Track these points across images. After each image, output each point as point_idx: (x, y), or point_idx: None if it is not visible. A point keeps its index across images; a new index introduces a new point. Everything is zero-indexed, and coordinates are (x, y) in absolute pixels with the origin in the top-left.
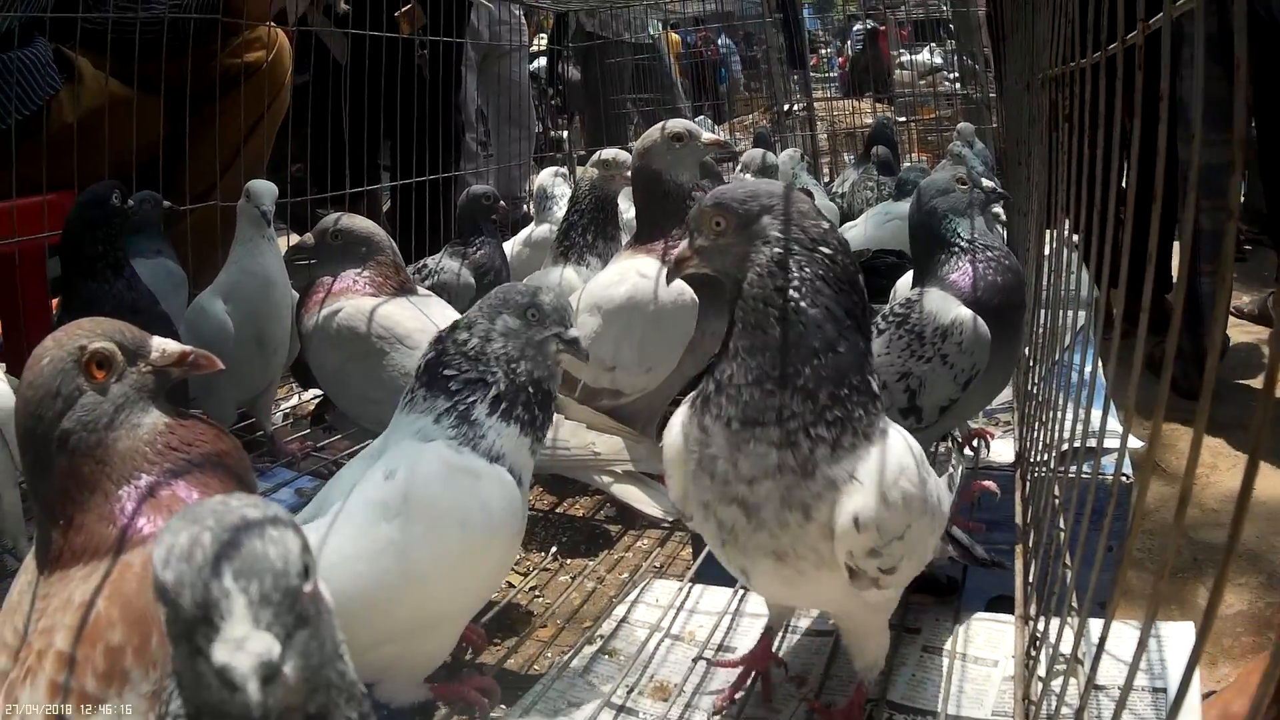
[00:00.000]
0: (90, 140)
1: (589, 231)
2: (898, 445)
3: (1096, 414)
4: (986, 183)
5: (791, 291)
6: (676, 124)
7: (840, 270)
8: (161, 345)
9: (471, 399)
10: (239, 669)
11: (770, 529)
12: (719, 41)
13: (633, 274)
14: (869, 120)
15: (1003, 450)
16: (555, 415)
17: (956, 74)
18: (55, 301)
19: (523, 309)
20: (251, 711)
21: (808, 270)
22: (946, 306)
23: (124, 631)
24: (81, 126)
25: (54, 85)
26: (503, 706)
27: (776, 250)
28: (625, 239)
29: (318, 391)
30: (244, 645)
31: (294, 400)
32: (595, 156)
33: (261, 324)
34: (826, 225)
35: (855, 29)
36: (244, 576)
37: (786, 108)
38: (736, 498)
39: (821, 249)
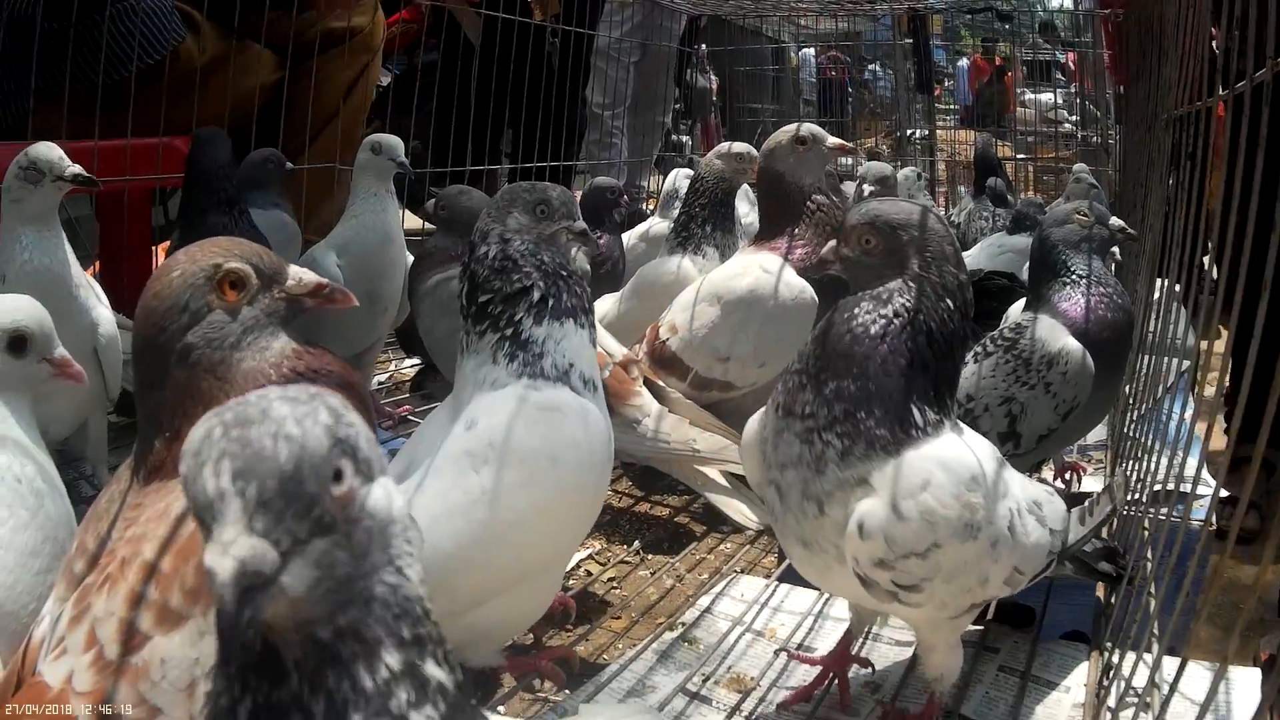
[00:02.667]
0: (208, 89)
1: (708, 223)
2: (931, 462)
3: (1191, 461)
4: (1114, 221)
5: (892, 325)
6: (804, 128)
7: (950, 327)
8: (299, 274)
9: (517, 316)
10: (219, 575)
11: (795, 515)
12: (871, 68)
13: (756, 268)
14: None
15: (1092, 486)
16: (659, 407)
17: (1076, 116)
18: (162, 246)
19: (531, 205)
20: (224, 620)
21: (920, 318)
22: (1055, 335)
23: None
24: (204, 74)
25: (179, 35)
26: (566, 692)
27: (910, 287)
28: (741, 243)
29: (416, 361)
30: (229, 550)
31: (390, 368)
32: (725, 148)
33: (374, 281)
34: (964, 277)
35: (960, 63)
36: (243, 476)
37: (910, 133)
38: (773, 481)
39: (946, 301)
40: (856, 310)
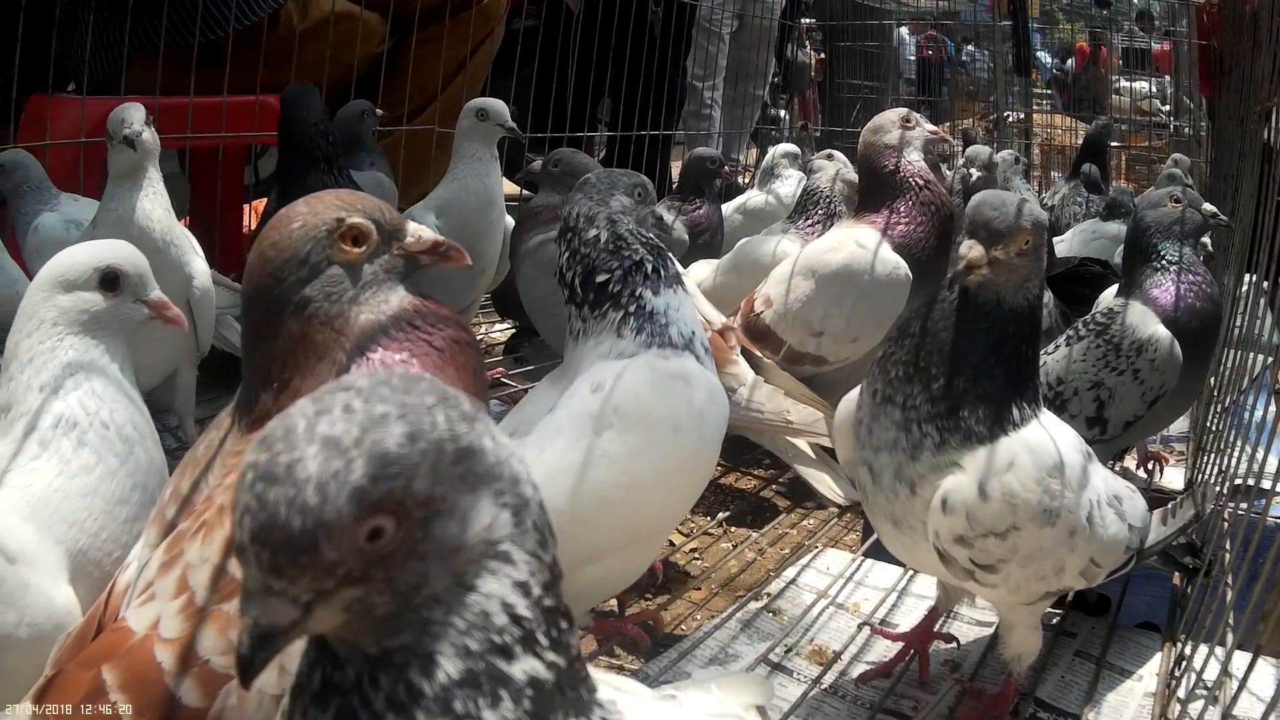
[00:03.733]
0: (312, 51)
1: (819, 225)
2: (1018, 445)
3: (1272, 459)
4: (1207, 206)
5: (1008, 328)
6: (905, 111)
7: (1045, 323)
8: (417, 230)
9: (636, 290)
10: (242, 621)
11: (887, 494)
12: (968, 48)
13: (851, 242)
14: (1080, 140)
15: (1174, 478)
16: (754, 376)
17: (1170, 106)
18: (255, 204)
19: (631, 188)
20: (240, 661)
21: (1028, 317)
22: (1146, 322)
23: None
24: (305, 36)
25: None
26: (641, 659)
27: (1041, 286)
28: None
29: (508, 325)
30: (249, 602)
31: (481, 331)
32: (850, 173)
33: (473, 242)
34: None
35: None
36: (258, 540)
37: (1007, 116)
38: (867, 461)
39: (1046, 298)
40: (967, 308)
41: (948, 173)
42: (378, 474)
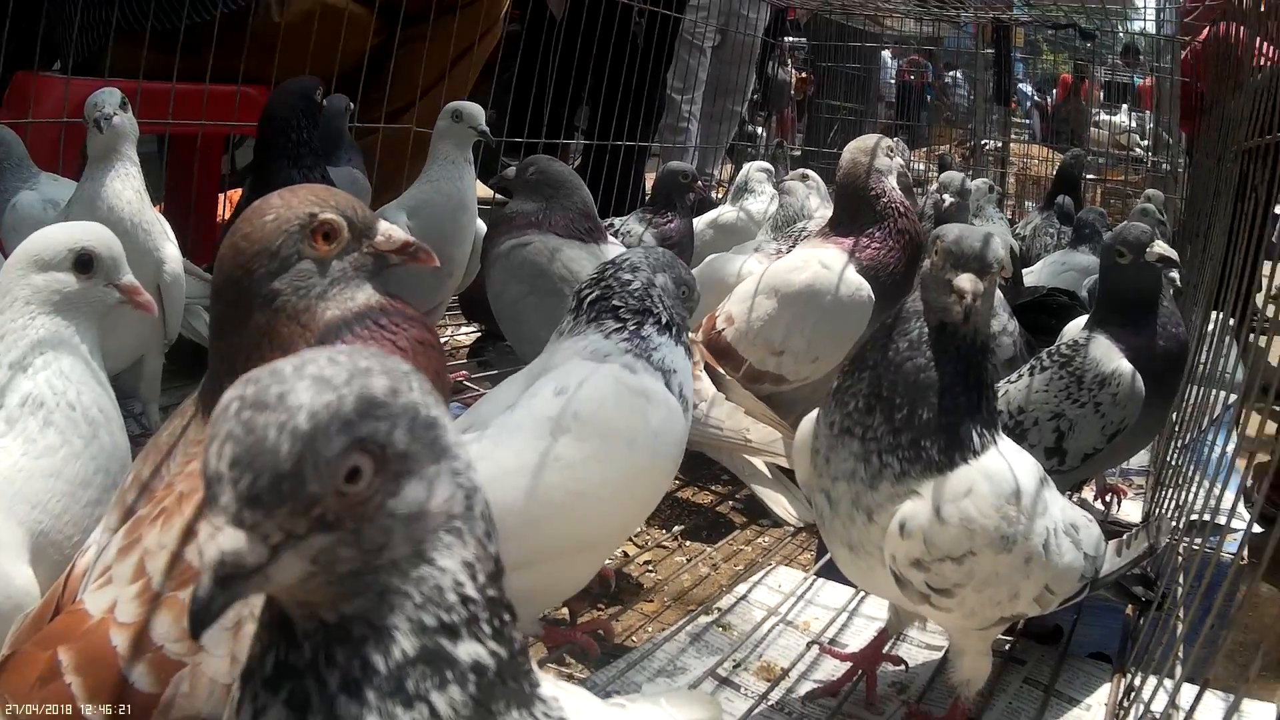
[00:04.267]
0: (294, 43)
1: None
2: (976, 472)
3: (1229, 495)
4: (1158, 247)
5: (983, 354)
6: (891, 141)
7: (995, 347)
8: (388, 230)
9: (642, 322)
10: (202, 557)
11: (844, 521)
12: (951, 75)
13: (815, 263)
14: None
15: (1131, 510)
16: (714, 392)
17: (1149, 142)
18: (230, 194)
19: (681, 281)
20: (195, 601)
21: (982, 342)
22: (1110, 356)
23: None
24: (288, 28)
25: None
26: (589, 669)
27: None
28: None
29: (473, 328)
30: (214, 537)
31: (447, 333)
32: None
33: (442, 244)
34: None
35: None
36: (239, 465)
37: (984, 143)
38: (825, 490)
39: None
40: (943, 339)
41: (919, 199)
42: (365, 412)
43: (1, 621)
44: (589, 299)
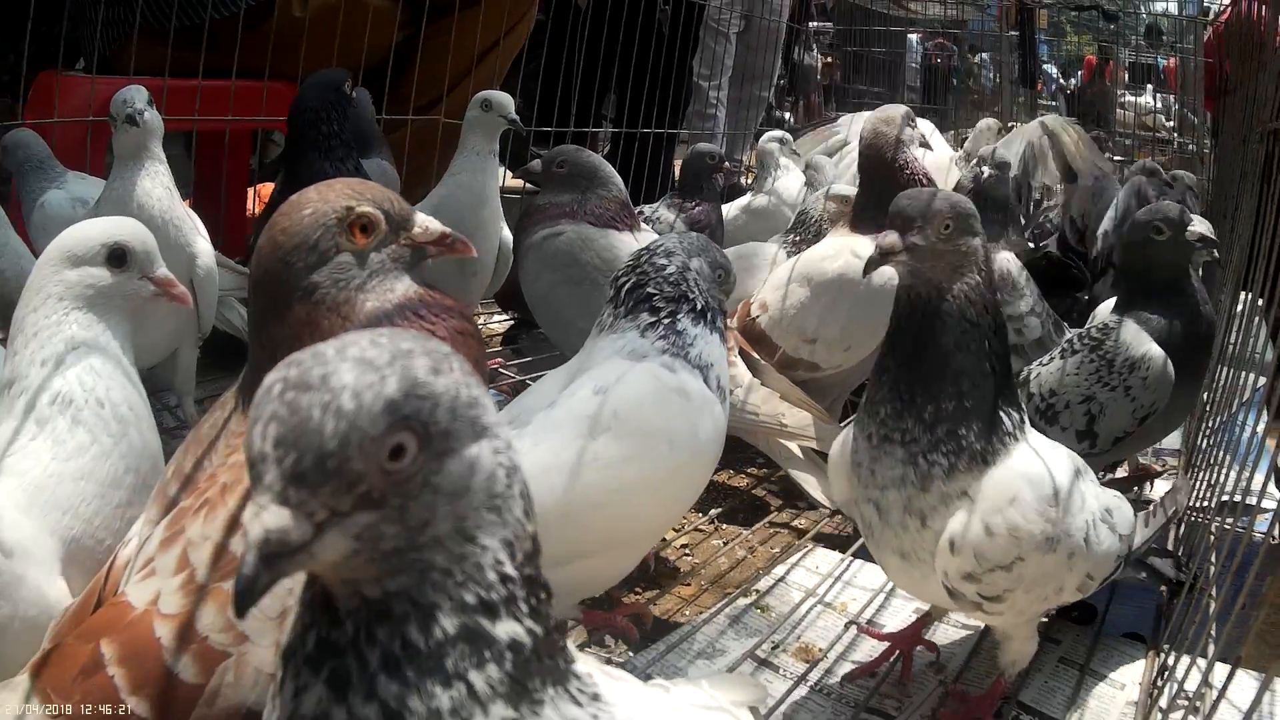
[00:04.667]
0: (319, 37)
1: (808, 244)
2: (1017, 474)
3: (1259, 476)
4: (1194, 228)
5: (978, 332)
6: (907, 109)
7: (1002, 318)
8: (425, 222)
9: (676, 311)
10: (247, 536)
11: (895, 530)
12: (979, 58)
13: (847, 251)
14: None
15: (1164, 490)
16: (750, 378)
17: (1175, 123)
18: (258, 189)
19: (716, 264)
20: (240, 581)
21: (994, 318)
22: (1140, 340)
23: None
24: (312, 23)
25: None
26: (629, 652)
27: (980, 285)
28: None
29: (507, 317)
30: (259, 515)
31: (480, 321)
32: (833, 190)
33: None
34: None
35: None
36: (284, 445)
37: (1010, 126)
38: (873, 500)
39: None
40: (939, 324)
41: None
42: (408, 392)
43: (37, 633)
44: (626, 286)
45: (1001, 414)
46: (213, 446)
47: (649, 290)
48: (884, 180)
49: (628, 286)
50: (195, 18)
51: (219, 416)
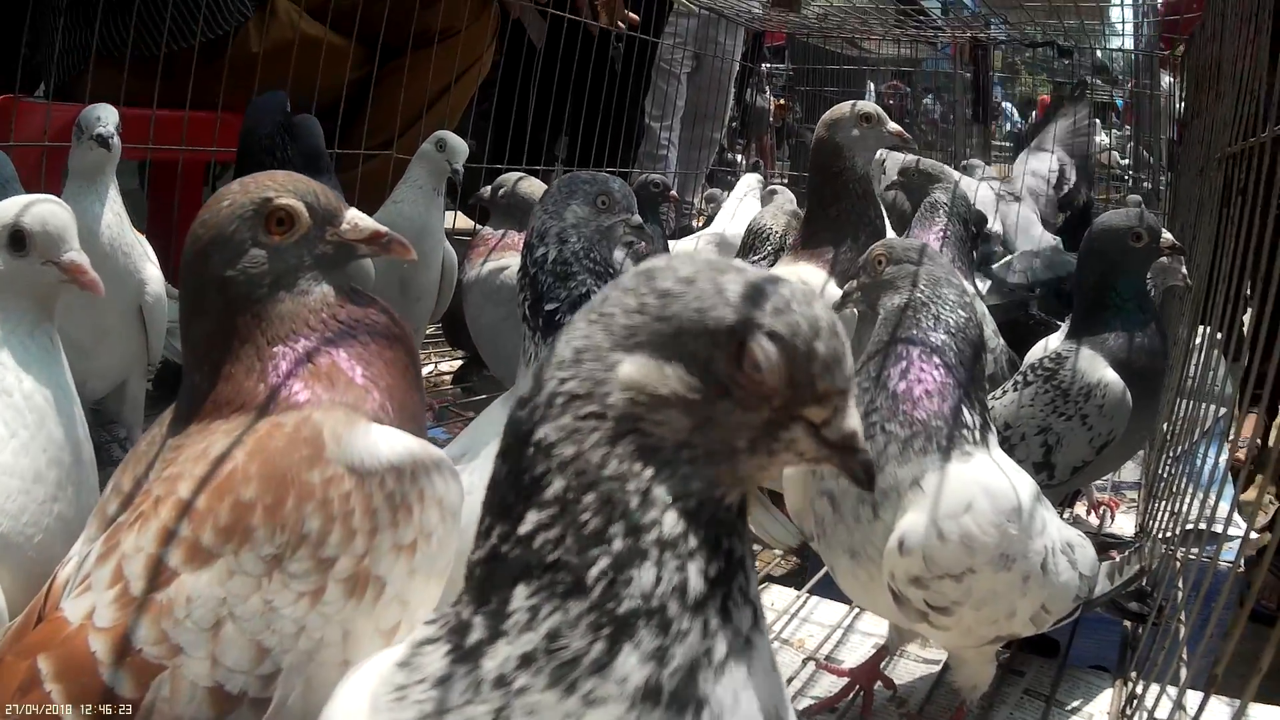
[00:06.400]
0: (274, 73)
1: (767, 262)
2: (974, 482)
3: (1223, 505)
4: (1167, 235)
5: (927, 322)
6: (868, 105)
7: (968, 331)
8: (355, 218)
9: (576, 303)
10: (844, 432)
11: (847, 523)
12: (925, 99)
13: (795, 280)
14: None
15: (1124, 524)
16: None
17: (1129, 160)
18: None
19: (592, 196)
20: (863, 470)
21: (944, 311)
22: (1094, 366)
23: (259, 488)
24: (267, 58)
25: (243, 13)
26: None
27: (914, 294)
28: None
29: (460, 356)
30: (851, 415)
31: (431, 364)
32: (790, 206)
33: (406, 269)
34: (957, 281)
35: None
36: (847, 354)
37: (964, 164)
38: (827, 491)
39: (959, 311)
40: (901, 319)
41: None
42: None
43: None
44: (527, 307)
45: (963, 408)
46: (151, 464)
47: (548, 308)
48: (829, 186)
49: (527, 303)
50: (153, 48)
51: (156, 433)
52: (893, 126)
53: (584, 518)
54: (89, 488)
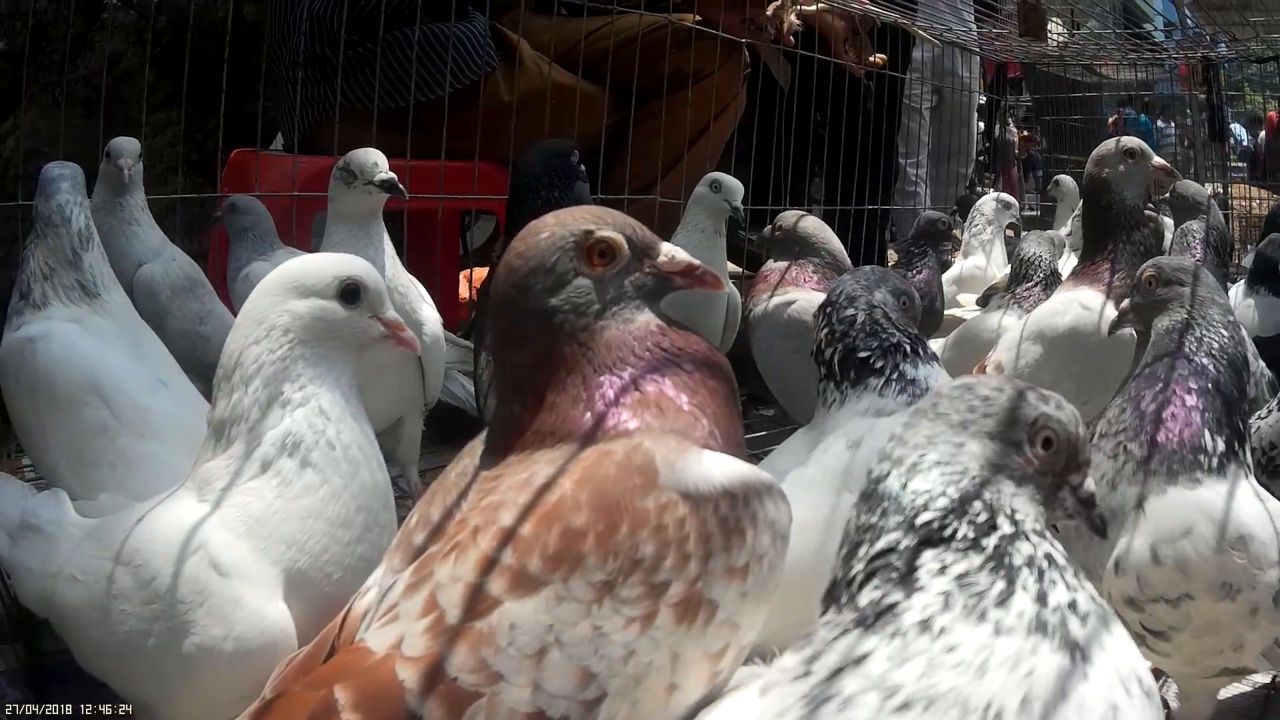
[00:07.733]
0: (527, 121)
1: (1037, 290)
2: (1197, 512)
3: None
4: None
5: (1190, 345)
6: (1131, 141)
7: (1233, 352)
8: (671, 251)
9: (899, 363)
10: (1084, 496)
11: (1084, 538)
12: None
13: (1076, 306)
14: None
15: None
16: None
17: None
18: (471, 272)
19: (898, 291)
20: (1098, 521)
21: (1209, 333)
22: None
23: (590, 515)
24: (519, 108)
25: (490, 63)
26: None
27: (1182, 315)
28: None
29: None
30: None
31: None
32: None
33: (689, 312)
34: (1223, 300)
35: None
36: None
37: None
38: None
39: (1224, 332)
40: (1166, 340)
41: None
42: None
43: (249, 658)
44: (835, 360)
45: (1206, 434)
46: (464, 493)
47: (859, 355)
48: (1100, 219)
49: (837, 358)
50: (399, 100)
51: (467, 463)
52: (1157, 161)
53: (975, 515)
54: (391, 530)
